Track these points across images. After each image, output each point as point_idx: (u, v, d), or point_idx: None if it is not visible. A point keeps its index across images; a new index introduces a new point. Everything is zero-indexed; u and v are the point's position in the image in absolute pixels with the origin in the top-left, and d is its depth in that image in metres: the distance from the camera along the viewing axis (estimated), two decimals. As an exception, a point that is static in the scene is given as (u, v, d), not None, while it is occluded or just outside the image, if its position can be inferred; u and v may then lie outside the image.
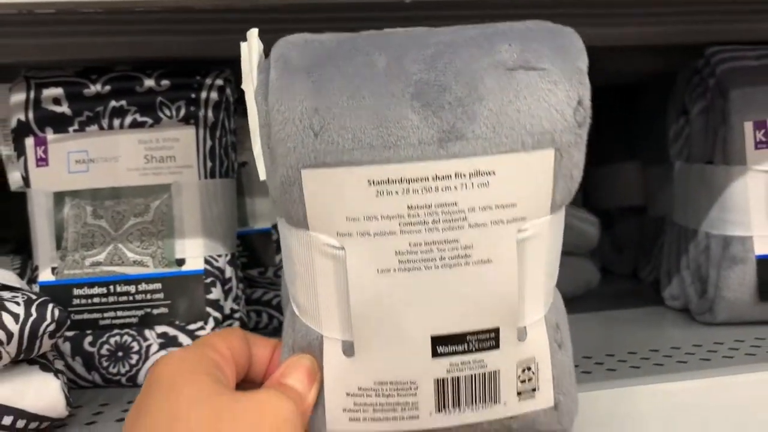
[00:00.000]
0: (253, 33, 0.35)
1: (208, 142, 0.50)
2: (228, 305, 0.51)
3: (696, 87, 0.59)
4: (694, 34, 0.58)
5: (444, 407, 0.35)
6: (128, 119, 0.49)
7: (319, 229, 0.34)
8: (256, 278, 0.61)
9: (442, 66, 0.33)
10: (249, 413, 0.32)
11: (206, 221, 0.50)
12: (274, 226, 0.60)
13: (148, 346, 0.48)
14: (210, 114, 0.50)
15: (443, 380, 0.35)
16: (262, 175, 0.35)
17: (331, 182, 0.33)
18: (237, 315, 0.52)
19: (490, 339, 0.35)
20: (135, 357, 0.48)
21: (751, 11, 0.56)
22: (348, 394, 0.35)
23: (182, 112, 0.50)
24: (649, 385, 0.44)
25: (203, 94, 0.50)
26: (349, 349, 0.35)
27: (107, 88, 0.50)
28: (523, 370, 0.36)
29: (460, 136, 0.32)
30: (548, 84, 0.33)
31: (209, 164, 0.50)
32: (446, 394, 0.35)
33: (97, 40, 0.49)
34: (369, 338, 0.34)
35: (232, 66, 0.53)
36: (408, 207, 0.33)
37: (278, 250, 0.60)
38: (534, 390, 0.36)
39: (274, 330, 0.60)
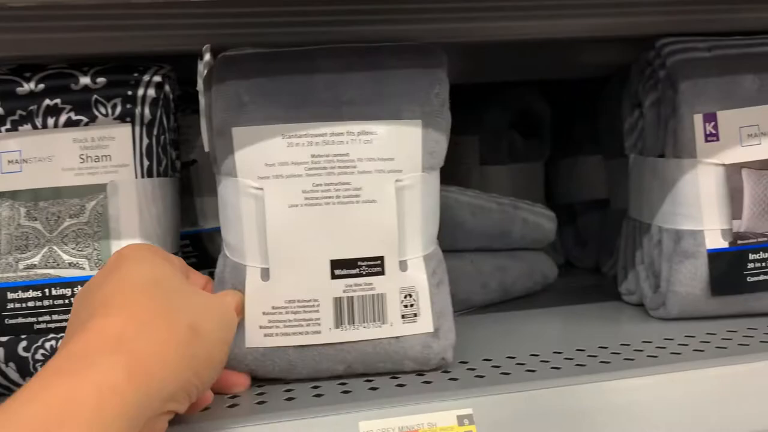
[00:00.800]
0: (207, 48, 0.45)
1: (145, 140, 0.49)
2: (169, 307, 0.49)
3: (648, 79, 0.58)
4: (647, 26, 0.57)
5: (341, 323, 0.44)
6: (63, 118, 0.48)
7: (245, 174, 0.44)
8: (206, 278, 0.59)
9: (344, 69, 0.46)
10: (201, 296, 0.40)
11: (144, 222, 0.49)
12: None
13: (85, 351, 0.47)
14: (147, 111, 0.49)
15: (340, 299, 0.44)
16: (207, 147, 0.46)
17: (254, 137, 0.44)
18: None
19: (377, 266, 0.44)
20: (72, 361, 0.47)
21: (703, 1, 0.55)
22: (264, 313, 0.44)
23: (118, 109, 0.48)
24: (594, 384, 0.44)
25: (140, 91, 0.49)
26: (265, 275, 0.44)
27: (41, 86, 0.48)
28: (405, 296, 0.45)
29: (351, 104, 0.45)
30: (415, 75, 0.46)
31: (146, 163, 0.49)
32: (343, 311, 0.44)
33: (31, 36, 0.48)
34: (281, 263, 0.44)
35: (171, 62, 0.52)
36: (311, 156, 0.44)
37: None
38: (416, 315, 0.45)
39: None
